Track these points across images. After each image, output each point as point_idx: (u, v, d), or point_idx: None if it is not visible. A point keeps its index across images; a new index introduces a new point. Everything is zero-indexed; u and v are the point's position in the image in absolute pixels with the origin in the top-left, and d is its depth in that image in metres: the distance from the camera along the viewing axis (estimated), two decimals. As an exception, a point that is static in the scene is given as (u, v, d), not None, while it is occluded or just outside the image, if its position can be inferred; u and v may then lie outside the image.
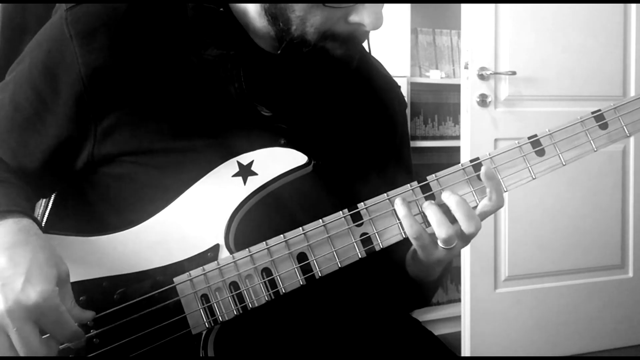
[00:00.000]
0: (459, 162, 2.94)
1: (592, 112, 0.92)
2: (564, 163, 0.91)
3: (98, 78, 0.87)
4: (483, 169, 0.87)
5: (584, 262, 2.86)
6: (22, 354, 0.73)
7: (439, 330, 3.00)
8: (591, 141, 0.91)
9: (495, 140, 2.68)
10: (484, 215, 0.89)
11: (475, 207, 0.89)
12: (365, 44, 1.02)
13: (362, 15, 0.88)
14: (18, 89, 0.91)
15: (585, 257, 2.86)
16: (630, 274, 2.95)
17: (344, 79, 1.00)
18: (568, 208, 2.77)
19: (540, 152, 0.91)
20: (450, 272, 1.03)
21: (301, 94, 0.97)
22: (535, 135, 0.91)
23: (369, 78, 1.06)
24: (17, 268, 0.73)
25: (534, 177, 0.91)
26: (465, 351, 2.67)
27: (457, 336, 2.72)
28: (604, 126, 0.92)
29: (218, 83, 0.91)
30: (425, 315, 3.07)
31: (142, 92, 0.89)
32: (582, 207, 2.80)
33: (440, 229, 0.86)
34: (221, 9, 0.94)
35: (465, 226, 0.86)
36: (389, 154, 1.07)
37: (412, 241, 0.88)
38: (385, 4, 0.90)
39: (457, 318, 2.78)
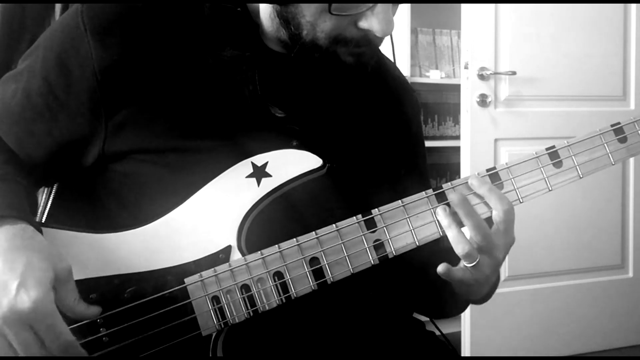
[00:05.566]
0: (459, 162, 2.91)
1: (612, 125, 0.91)
2: (581, 176, 0.90)
3: (111, 74, 0.87)
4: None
5: (584, 262, 2.87)
6: (21, 356, 0.73)
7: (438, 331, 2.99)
8: (609, 154, 0.90)
9: (495, 140, 2.68)
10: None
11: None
12: (389, 48, 1.02)
13: (371, 21, 0.87)
14: (31, 78, 0.91)
15: (585, 257, 2.86)
16: (630, 274, 2.96)
17: (357, 81, 0.99)
18: (568, 208, 2.77)
19: (558, 164, 0.90)
20: (491, 295, 1.03)
21: (314, 96, 0.97)
22: (554, 147, 0.90)
23: (383, 80, 1.06)
24: (11, 273, 0.73)
25: (550, 188, 0.90)
26: (465, 351, 2.68)
27: (457, 336, 2.72)
28: (623, 140, 0.91)
29: (232, 84, 0.91)
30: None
31: (155, 90, 0.88)
32: (582, 207, 2.80)
33: (457, 246, 0.85)
34: (239, 9, 0.93)
35: (473, 234, 0.85)
36: (402, 157, 1.06)
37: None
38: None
39: (457, 318, 2.78)
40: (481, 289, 0.95)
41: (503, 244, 0.88)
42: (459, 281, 0.89)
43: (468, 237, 0.86)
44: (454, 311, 1.09)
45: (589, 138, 0.90)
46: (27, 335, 0.72)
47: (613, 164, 0.91)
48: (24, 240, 0.76)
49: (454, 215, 0.86)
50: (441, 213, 0.86)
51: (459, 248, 0.85)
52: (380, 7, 0.86)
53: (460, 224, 0.87)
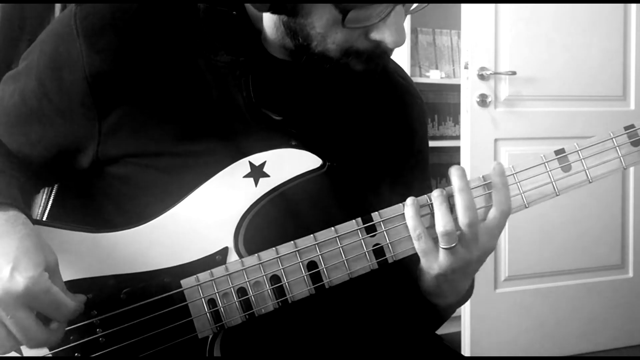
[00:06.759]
0: (459, 162, 2.91)
1: (625, 128, 0.88)
2: (590, 180, 0.87)
3: (102, 78, 0.86)
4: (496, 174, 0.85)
5: (584, 262, 2.86)
6: (21, 341, 0.73)
7: (438, 330, 2.99)
8: (621, 158, 0.87)
9: (495, 140, 2.68)
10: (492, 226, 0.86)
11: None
12: None
13: (383, 33, 0.85)
14: (27, 80, 0.91)
15: (585, 257, 2.86)
16: (630, 274, 2.96)
17: (362, 87, 0.98)
18: (568, 208, 2.76)
19: (567, 168, 0.87)
20: (462, 303, 1.01)
21: (314, 103, 0.96)
22: (563, 150, 0.88)
23: (387, 84, 1.05)
24: (3, 257, 0.73)
25: (557, 193, 0.87)
26: (465, 351, 2.67)
27: (457, 336, 2.71)
28: (636, 143, 0.88)
29: (226, 89, 0.90)
30: (424, 316, 3.07)
31: (147, 94, 0.88)
32: (582, 207, 2.80)
33: (439, 222, 0.83)
34: (234, 12, 0.91)
35: (461, 216, 0.84)
36: (405, 161, 1.05)
37: (414, 242, 0.86)
38: (406, 19, 0.88)
39: (457, 318, 2.78)
40: (447, 289, 0.92)
41: (482, 244, 0.86)
42: (437, 270, 0.87)
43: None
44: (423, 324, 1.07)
45: (600, 142, 0.87)
46: (23, 316, 0.72)
47: (625, 169, 0.87)
48: (15, 226, 0.76)
49: (450, 199, 0.85)
50: (437, 192, 0.85)
51: (440, 225, 0.83)
52: (392, 17, 0.84)
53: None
